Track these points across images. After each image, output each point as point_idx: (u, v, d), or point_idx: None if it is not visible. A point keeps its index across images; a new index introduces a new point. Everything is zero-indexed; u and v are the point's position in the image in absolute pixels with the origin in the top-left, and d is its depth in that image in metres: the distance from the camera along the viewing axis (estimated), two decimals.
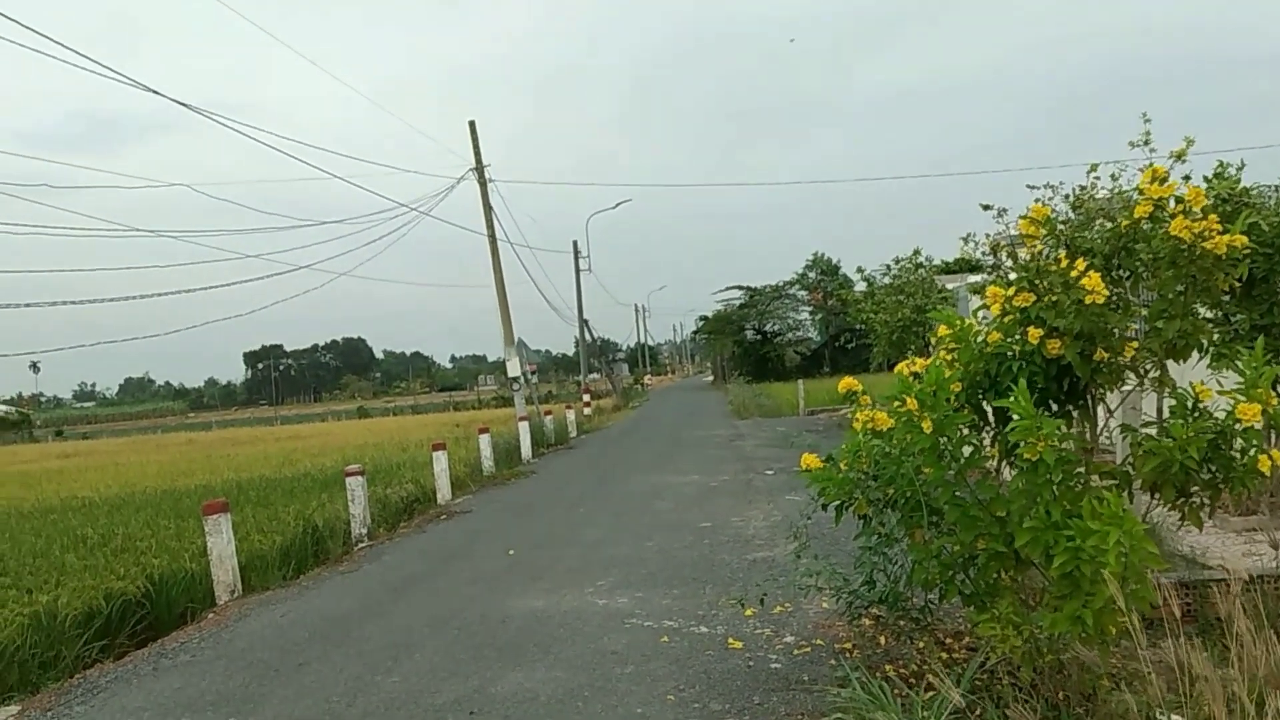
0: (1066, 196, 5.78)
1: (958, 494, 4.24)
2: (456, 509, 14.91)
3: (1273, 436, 6.71)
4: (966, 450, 4.36)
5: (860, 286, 32.68)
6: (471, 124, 28.39)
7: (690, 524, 11.27)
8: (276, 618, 8.43)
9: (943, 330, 4.51)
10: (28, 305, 28.42)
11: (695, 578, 8.42)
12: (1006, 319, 4.28)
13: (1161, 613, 3.74)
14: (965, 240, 11.00)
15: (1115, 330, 4.10)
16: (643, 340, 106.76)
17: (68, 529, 11.97)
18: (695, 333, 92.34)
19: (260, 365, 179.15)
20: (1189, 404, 4.06)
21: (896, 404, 4.26)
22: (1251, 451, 3.93)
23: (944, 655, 5.12)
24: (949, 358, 4.46)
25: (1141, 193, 4.09)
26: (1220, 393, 4.06)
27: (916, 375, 4.30)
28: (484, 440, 20.01)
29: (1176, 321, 4.07)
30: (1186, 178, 4.24)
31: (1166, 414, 4.26)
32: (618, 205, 50.15)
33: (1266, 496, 7.97)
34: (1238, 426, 3.91)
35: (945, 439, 4.21)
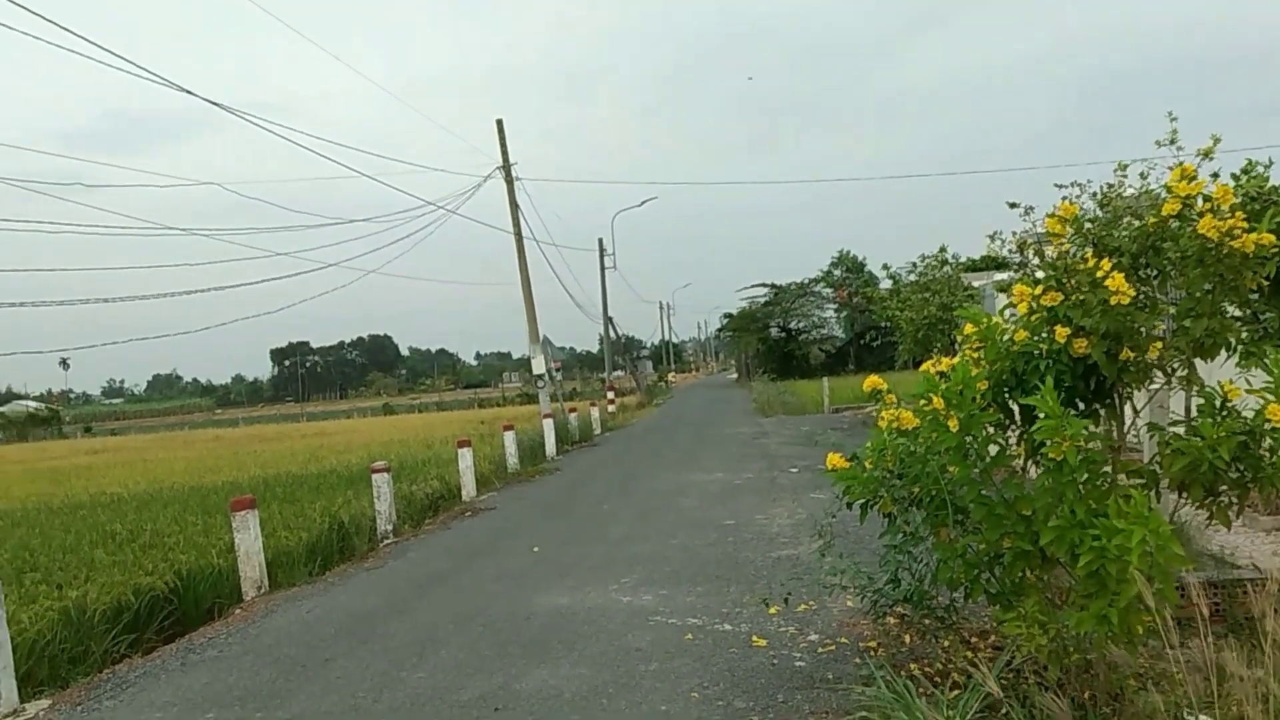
0: (1094, 195, 5.74)
1: (983, 493, 4.23)
2: (481, 506, 14.99)
3: None
4: (992, 449, 4.34)
5: (886, 284, 32.56)
6: (499, 122, 28.49)
7: (714, 521, 11.28)
8: (303, 614, 8.51)
9: (969, 329, 4.50)
10: (60, 304, 28.83)
11: (719, 575, 8.43)
12: (1033, 318, 4.26)
13: (1189, 612, 3.72)
14: (992, 238, 10.93)
15: (1142, 329, 4.08)
16: (667, 337, 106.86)
17: (97, 525, 12.09)
18: (720, 330, 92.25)
19: (287, 362, 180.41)
20: (1217, 403, 4.04)
21: (922, 403, 4.26)
22: None
23: (969, 654, 5.09)
24: (975, 356, 4.44)
25: (1170, 191, 4.07)
26: (1248, 391, 4.03)
27: (942, 374, 4.29)
28: (509, 437, 20.08)
29: (1204, 320, 4.04)
30: (1215, 176, 4.20)
31: (1194, 413, 4.23)
32: (643, 203, 50.10)
33: None
34: (1267, 426, 3.88)
35: (971, 438, 4.19)
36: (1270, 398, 3.84)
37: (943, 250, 24.94)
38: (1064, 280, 4.11)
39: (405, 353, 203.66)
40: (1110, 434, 4.52)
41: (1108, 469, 4.02)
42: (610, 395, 41.48)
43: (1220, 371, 4.22)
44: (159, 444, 42.12)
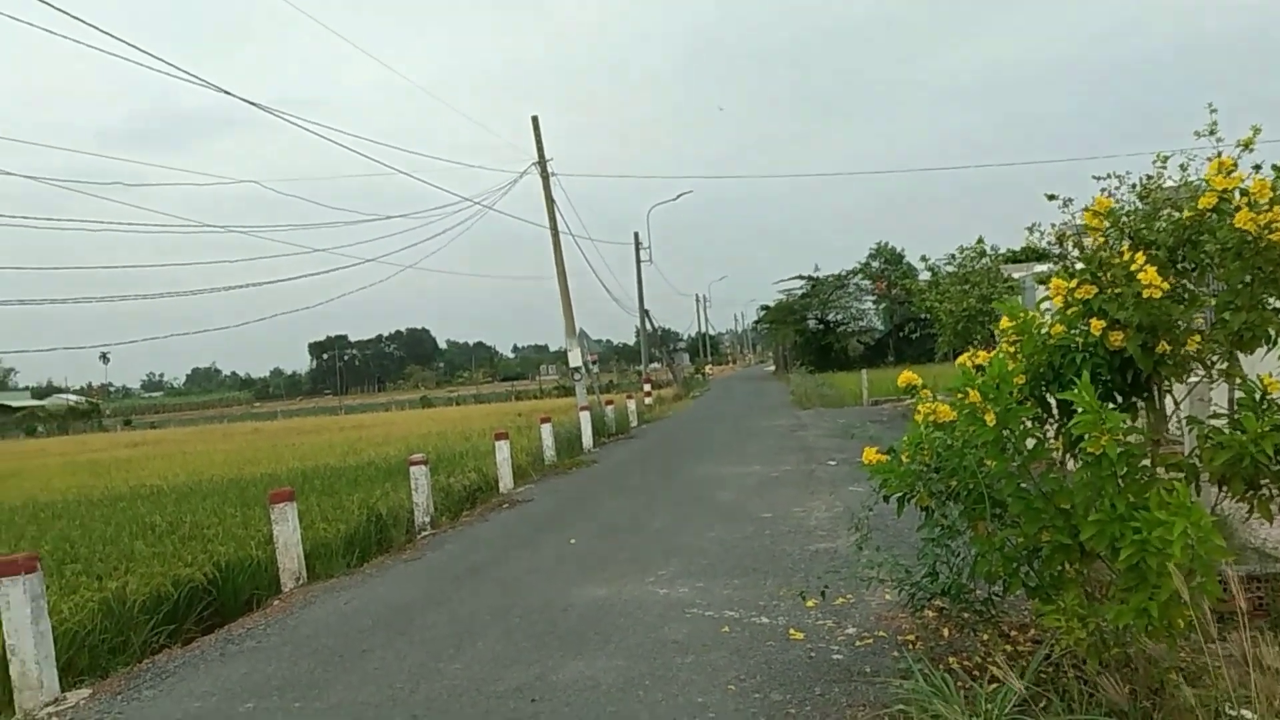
0: (1133, 186, 5.63)
1: (1022, 486, 4.21)
2: (518, 498, 15.09)
3: None
4: (1030, 443, 4.32)
5: (924, 276, 32.29)
6: (534, 119, 28.58)
7: (751, 514, 11.28)
8: (341, 605, 8.62)
9: (1005, 323, 4.47)
10: (100, 299, 29.26)
11: (756, 568, 8.43)
12: (1069, 311, 4.24)
13: (1230, 606, 3.68)
14: (1030, 230, 10.79)
15: (1179, 322, 4.04)
16: (704, 330, 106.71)
17: (136, 516, 12.24)
18: (757, 322, 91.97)
19: (325, 355, 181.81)
20: (1257, 396, 3.99)
21: (959, 396, 4.24)
22: None
23: (1008, 648, 5.08)
24: (1012, 350, 4.42)
25: (1207, 184, 4.03)
26: None
27: (979, 367, 4.27)
28: (545, 430, 20.18)
29: (1243, 313, 4.00)
30: (1257, 168, 4.13)
31: (1235, 406, 4.19)
32: (678, 197, 49.90)
33: None
34: None
35: (1009, 431, 4.18)
36: None
37: (980, 242, 24.69)
38: (1098, 274, 4.08)
39: (443, 346, 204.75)
40: (1151, 427, 4.48)
41: (1147, 462, 3.99)
42: (647, 387, 41.56)
43: (1262, 364, 4.18)
44: (198, 437, 42.70)
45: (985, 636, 5.22)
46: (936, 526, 4.80)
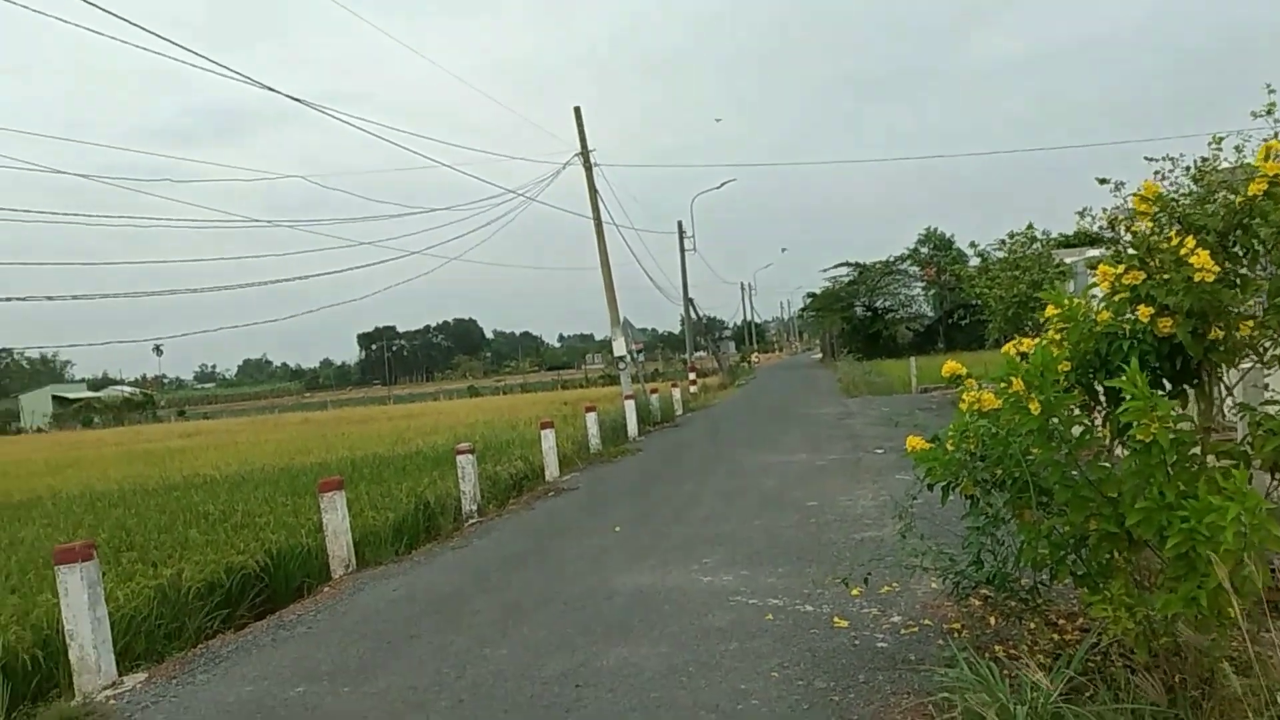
0: (1188, 169, 5.55)
1: (1069, 474, 4.16)
2: (564, 486, 15.18)
3: None
4: (1077, 430, 4.27)
5: (974, 262, 31.95)
6: (577, 109, 28.65)
7: (797, 503, 11.25)
8: (389, 591, 8.73)
9: (1050, 310, 4.42)
10: (153, 294, 29.74)
11: (801, 556, 8.42)
12: (1116, 297, 4.17)
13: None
14: (1081, 215, 10.65)
15: (1231, 307, 3.97)
16: (749, 318, 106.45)
17: (190, 505, 12.51)
18: (803, 310, 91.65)
19: (374, 346, 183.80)
20: None
21: (1003, 385, 4.20)
22: None
23: (1055, 636, 5.04)
24: (1058, 337, 4.37)
25: (1257, 168, 3.94)
26: None
27: (1023, 355, 4.23)
28: (591, 418, 20.27)
29: None
30: None
31: None
32: (722, 185, 49.73)
33: None
34: None
35: (1055, 420, 4.13)
36: None
37: (1030, 227, 24.40)
38: (1146, 259, 4.02)
39: (490, 336, 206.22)
40: (1203, 413, 4.41)
41: (1197, 450, 3.93)
42: (692, 376, 41.52)
43: None
44: (250, 427, 43.36)
45: (1033, 625, 5.17)
46: (981, 515, 4.77)
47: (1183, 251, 3.90)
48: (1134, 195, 4.30)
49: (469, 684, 5.86)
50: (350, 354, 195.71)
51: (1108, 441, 4.39)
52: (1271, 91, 5.71)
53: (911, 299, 68.95)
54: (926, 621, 6.13)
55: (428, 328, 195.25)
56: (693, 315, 53.59)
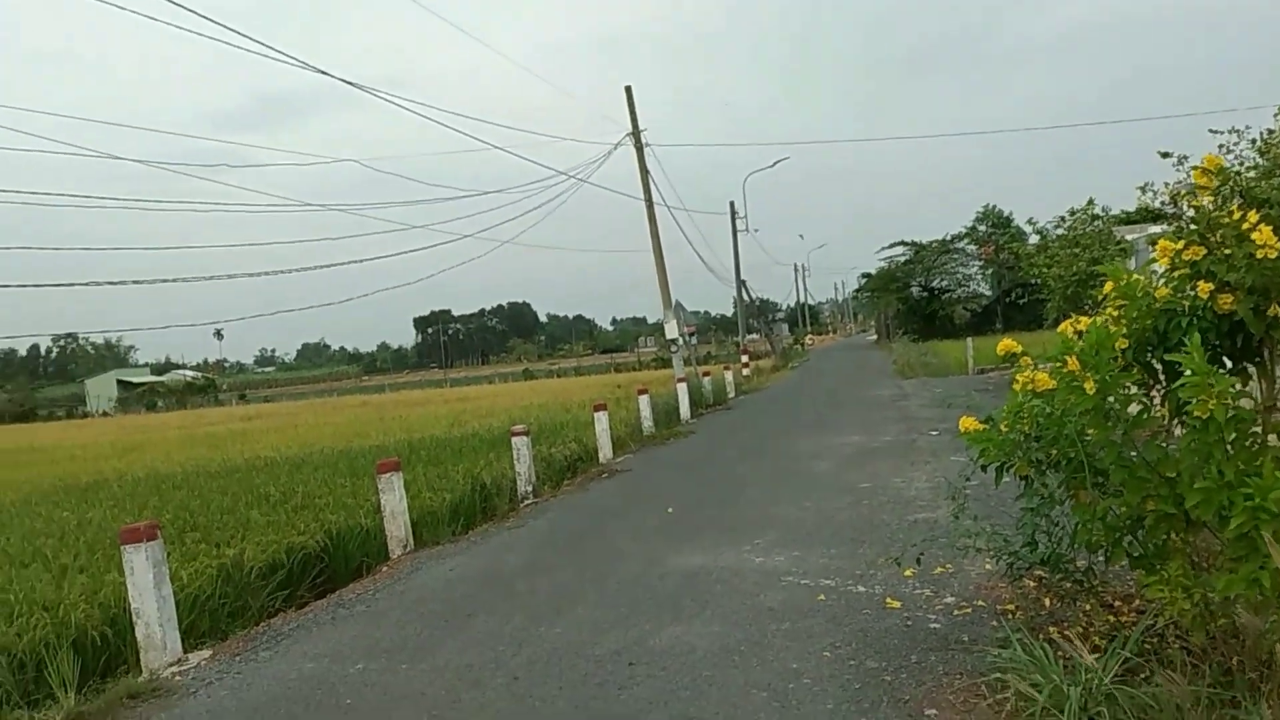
0: (1253, 142, 5.39)
1: (1125, 454, 4.10)
2: (617, 468, 15.26)
3: None
4: (1134, 409, 4.21)
5: (1033, 240, 31.41)
6: (628, 89, 28.58)
7: (850, 485, 11.20)
8: (446, 571, 8.86)
9: (1108, 287, 4.35)
10: (212, 278, 30.27)
11: (853, 538, 8.39)
12: (1176, 274, 4.09)
13: None
14: (1142, 190, 10.41)
15: None
16: (802, 300, 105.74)
17: (251, 487, 12.67)
18: (857, 291, 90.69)
19: (430, 330, 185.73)
20: None
21: (1057, 364, 4.15)
22: None
23: (1111, 618, 4.98)
24: (1115, 314, 4.30)
25: None
26: None
27: (1079, 334, 4.17)
28: (643, 401, 20.32)
29: None
30: None
31: None
32: (775, 164, 49.32)
33: None
34: None
35: (1111, 399, 4.08)
36: None
37: (1090, 204, 23.90)
38: (1208, 235, 3.93)
39: (544, 319, 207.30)
40: (1262, 393, 4.32)
41: (1258, 429, 3.85)
42: (744, 359, 41.41)
43: None
44: (309, 410, 43.87)
45: (1088, 606, 5.11)
46: (1036, 496, 4.73)
47: (1244, 226, 3.82)
48: (1195, 168, 4.21)
49: (524, 661, 5.93)
50: (407, 338, 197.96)
51: (1166, 421, 4.32)
52: None
53: (969, 278, 67.85)
54: (980, 603, 6.08)
55: (482, 311, 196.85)
56: (745, 297, 53.40)
